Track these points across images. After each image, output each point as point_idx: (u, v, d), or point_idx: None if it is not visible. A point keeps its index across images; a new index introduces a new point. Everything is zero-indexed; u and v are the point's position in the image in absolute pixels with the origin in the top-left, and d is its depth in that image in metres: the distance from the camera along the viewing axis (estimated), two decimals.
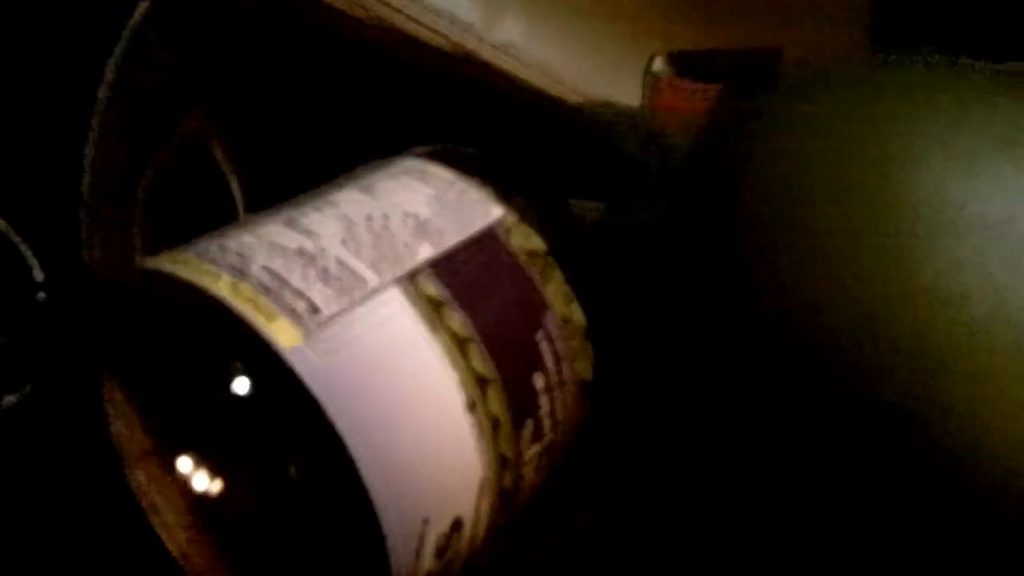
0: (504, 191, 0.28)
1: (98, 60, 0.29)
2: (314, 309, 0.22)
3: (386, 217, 0.26)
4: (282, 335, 0.21)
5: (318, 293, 0.23)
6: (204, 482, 0.22)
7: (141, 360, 0.23)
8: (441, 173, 0.28)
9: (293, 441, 0.21)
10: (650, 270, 0.31)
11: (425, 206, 0.27)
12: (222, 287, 0.22)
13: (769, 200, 0.31)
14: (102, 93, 0.29)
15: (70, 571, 0.20)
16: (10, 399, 0.20)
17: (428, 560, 0.22)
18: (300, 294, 0.22)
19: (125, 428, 0.21)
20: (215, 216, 0.25)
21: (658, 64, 0.32)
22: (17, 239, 0.27)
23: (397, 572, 0.21)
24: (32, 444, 0.21)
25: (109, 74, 0.29)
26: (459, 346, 0.24)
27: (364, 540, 0.21)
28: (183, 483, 0.22)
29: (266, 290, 0.22)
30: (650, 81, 0.32)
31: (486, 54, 0.33)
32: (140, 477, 0.21)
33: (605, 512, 0.30)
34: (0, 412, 0.20)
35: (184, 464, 0.22)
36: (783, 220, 0.28)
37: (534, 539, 0.28)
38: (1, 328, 0.24)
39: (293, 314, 0.22)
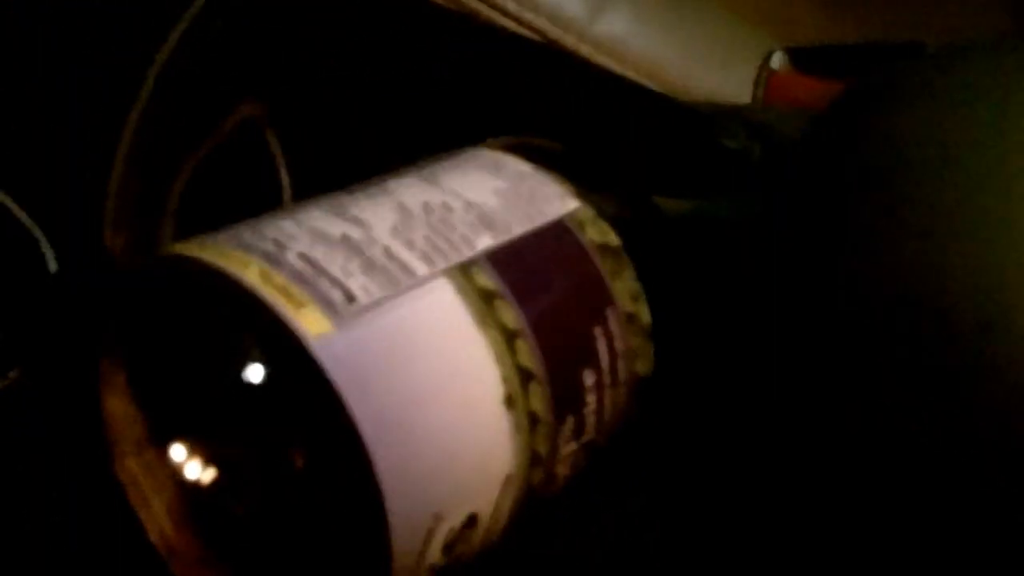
0: (584, 185, 0.27)
1: (141, 46, 0.28)
2: (350, 298, 0.21)
3: (446, 207, 0.25)
4: (310, 324, 0.21)
5: (357, 282, 0.22)
6: (197, 472, 0.22)
7: (147, 345, 0.23)
8: (516, 165, 0.27)
9: (303, 429, 0.21)
10: (749, 261, 0.29)
11: (492, 197, 0.25)
12: (251, 274, 0.21)
13: (913, 177, 0.29)
14: (151, 76, 0.28)
15: (55, 564, 0.20)
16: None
17: (434, 555, 0.22)
18: (337, 283, 0.22)
19: (121, 415, 0.21)
20: (261, 206, 0.24)
21: (777, 59, 0.30)
22: (35, 229, 0.26)
23: (397, 566, 0.21)
24: (16, 432, 0.20)
25: (161, 58, 0.28)
26: (507, 340, 0.23)
27: (366, 532, 0.20)
28: (175, 474, 0.21)
29: (300, 279, 0.21)
30: (765, 77, 0.30)
31: (584, 51, 0.31)
32: (132, 467, 0.21)
33: (632, 513, 0.29)
34: None
35: (178, 453, 0.22)
36: (924, 199, 0.26)
37: (555, 536, 0.27)
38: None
39: (326, 303, 0.21)
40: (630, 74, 0.36)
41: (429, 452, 0.21)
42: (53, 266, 0.27)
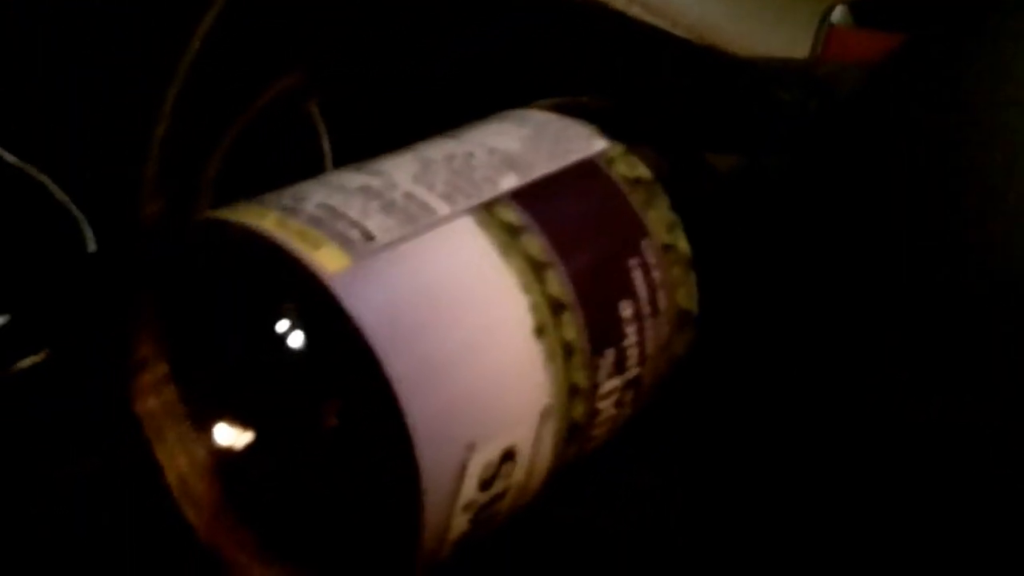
0: (613, 128, 0.26)
1: (181, 18, 0.29)
2: (369, 237, 0.21)
3: (469, 155, 0.24)
4: (327, 261, 0.20)
5: (375, 222, 0.22)
6: (231, 440, 0.21)
7: (179, 310, 0.23)
8: (542, 116, 0.26)
9: (330, 370, 0.20)
10: (800, 216, 0.28)
11: (516, 142, 0.25)
12: (268, 222, 0.21)
13: (974, 134, 0.28)
14: (192, 48, 0.28)
15: (85, 544, 0.20)
16: (24, 363, 0.20)
17: (470, 491, 0.21)
18: (355, 224, 0.21)
19: (153, 388, 0.21)
20: (302, 178, 0.24)
21: (838, 13, 0.29)
22: (74, 209, 0.27)
23: (432, 500, 0.20)
24: (46, 412, 0.20)
25: (202, 29, 0.28)
26: (535, 271, 0.22)
27: (395, 466, 0.20)
28: (208, 446, 0.21)
29: (317, 222, 0.21)
30: (825, 31, 0.29)
31: (635, 12, 0.30)
32: (154, 409, 0.20)
33: (660, 484, 0.28)
34: (12, 377, 0.20)
35: (212, 425, 0.21)
36: (986, 157, 0.25)
37: (580, 501, 0.26)
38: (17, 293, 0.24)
39: (344, 241, 0.21)
40: (681, 34, 0.36)
41: (457, 379, 0.21)
42: (92, 247, 0.27)
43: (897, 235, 0.26)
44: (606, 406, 0.24)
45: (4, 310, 0.23)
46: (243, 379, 0.22)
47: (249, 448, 0.22)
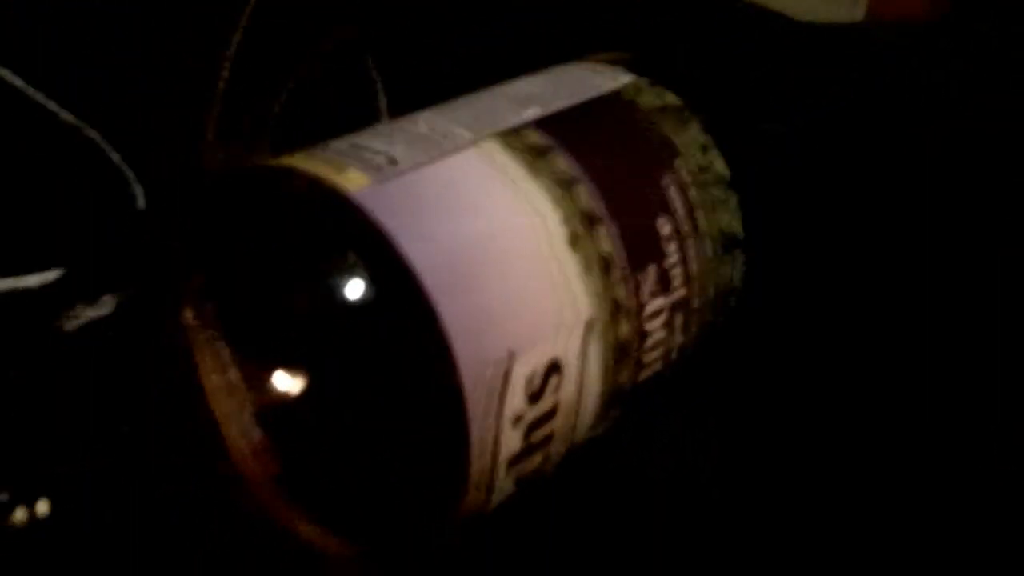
0: (639, 67, 0.26)
1: None
2: (392, 161, 0.21)
3: (491, 95, 0.24)
4: (350, 182, 0.20)
5: (400, 150, 0.21)
6: (281, 387, 0.21)
7: (226, 261, 0.23)
8: (567, 65, 0.26)
9: (371, 306, 0.20)
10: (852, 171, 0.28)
11: (538, 84, 0.25)
12: (295, 159, 0.21)
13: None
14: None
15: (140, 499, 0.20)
16: (76, 321, 0.20)
17: (517, 401, 0.20)
18: (379, 153, 0.21)
19: (202, 332, 0.20)
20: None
21: None
22: (125, 167, 0.27)
23: (474, 406, 0.19)
24: (100, 365, 0.20)
25: None
26: (563, 185, 0.22)
27: (436, 377, 0.19)
28: (256, 396, 0.20)
29: (341, 153, 0.21)
30: None
31: None
32: (214, 384, 0.20)
33: (695, 434, 0.27)
34: (65, 333, 0.20)
35: (260, 376, 0.21)
36: None
37: (614, 448, 0.25)
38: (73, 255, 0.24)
39: (368, 165, 0.21)
40: None
41: (490, 285, 0.20)
42: (142, 204, 0.27)
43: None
44: (654, 328, 0.23)
45: (56, 265, 0.23)
46: (290, 328, 0.22)
47: (296, 397, 0.22)
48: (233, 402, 0.22)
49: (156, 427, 0.21)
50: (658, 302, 0.23)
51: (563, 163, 0.22)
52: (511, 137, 0.22)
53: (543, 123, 0.23)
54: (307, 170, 0.21)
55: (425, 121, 0.23)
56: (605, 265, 0.22)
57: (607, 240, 0.22)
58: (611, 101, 0.25)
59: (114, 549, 0.20)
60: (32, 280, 0.24)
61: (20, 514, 0.19)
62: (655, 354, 0.23)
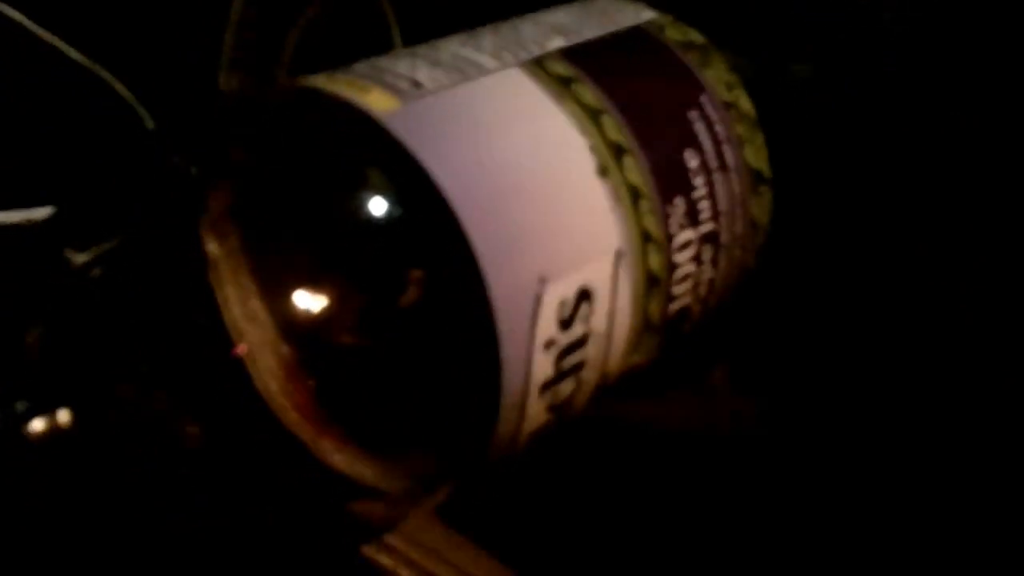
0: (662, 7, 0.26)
1: None
2: (416, 84, 0.21)
3: (515, 25, 0.24)
4: (376, 103, 0.20)
5: (423, 74, 0.22)
6: (306, 306, 0.21)
7: (250, 185, 0.23)
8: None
9: (399, 227, 0.20)
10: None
11: (563, 15, 0.25)
12: (317, 80, 0.21)
13: None
14: None
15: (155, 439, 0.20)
16: (83, 256, 0.20)
17: (549, 325, 0.20)
18: (402, 76, 0.21)
19: (226, 264, 0.20)
20: None
21: None
22: (137, 105, 0.27)
23: (506, 329, 0.20)
24: (117, 302, 0.20)
25: None
26: (590, 116, 0.22)
27: (468, 300, 0.19)
28: (282, 316, 0.21)
29: (363, 75, 0.21)
30: None
31: None
32: (237, 318, 0.20)
33: (747, 373, 0.27)
34: (74, 270, 0.20)
35: (286, 296, 0.21)
36: None
37: (659, 392, 0.25)
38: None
39: (392, 88, 0.21)
40: None
41: (520, 210, 0.20)
42: (151, 125, 0.27)
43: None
44: (683, 260, 0.23)
45: (64, 201, 0.24)
46: (322, 247, 0.22)
47: (326, 318, 0.22)
48: (257, 331, 0.22)
49: (178, 359, 0.21)
50: (687, 234, 0.23)
51: (589, 93, 0.22)
52: (536, 66, 0.23)
53: (568, 53, 0.23)
54: (332, 91, 0.21)
55: (447, 48, 0.23)
56: (634, 195, 0.22)
57: (635, 171, 0.22)
58: (636, 35, 0.25)
59: (134, 471, 0.20)
60: (40, 213, 0.24)
61: (38, 424, 0.19)
62: (684, 286, 0.24)
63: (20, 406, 0.19)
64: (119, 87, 0.27)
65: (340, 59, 0.24)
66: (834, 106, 0.29)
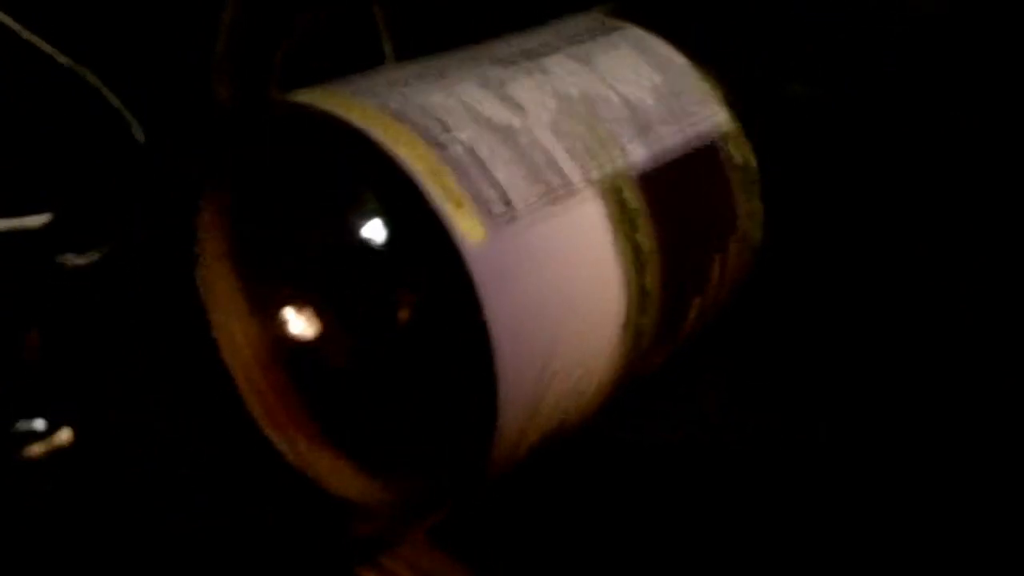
0: (727, 82, 0.26)
1: None
2: (506, 201, 0.22)
3: (606, 101, 0.24)
4: (467, 227, 0.21)
5: (518, 192, 0.22)
6: (300, 326, 0.21)
7: (251, 193, 0.22)
8: (670, 54, 0.26)
9: (408, 267, 0.21)
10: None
11: (648, 95, 0.25)
12: (406, 148, 0.21)
13: None
14: None
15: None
16: (78, 260, 0.20)
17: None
18: (496, 184, 0.22)
19: (217, 268, 0.20)
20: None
21: None
22: (125, 111, 0.25)
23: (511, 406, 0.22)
24: (107, 308, 0.20)
25: None
26: (638, 264, 0.24)
27: (468, 330, 0.21)
28: (274, 335, 0.21)
29: (462, 172, 0.21)
30: None
31: None
32: (231, 328, 0.20)
33: (709, 407, 0.29)
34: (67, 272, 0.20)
35: (278, 314, 0.21)
36: None
37: (629, 421, 0.28)
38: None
39: (483, 205, 0.21)
40: None
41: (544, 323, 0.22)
42: (141, 138, 0.26)
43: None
44: (654, 358, 0.26)
45: (56, 207, 0.23)
46: (314, 266, 0.22)
47: (317, 339, 0.22)
48: (246, 342, 0.22)
49: (168, 366, 0.22)
50: (665, 349, 0.26)
51: (645, 235, 0.24)
52: (613, 193, 0.23)
53: (644, 180, 0.24)
54: (426, 187, 0.21)
55: (539, 126, 0.23)
56: (638, 336, 0.25)
57: (648, 316, 0.25)
58: (706, 154, 0.26)
59: (133, 484, 0.20)
60: (34, 221, 0.23)
61: (37, 447, 0.19)
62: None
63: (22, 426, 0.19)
64: (107, 93, 0.25)
65: (331, 68, 0.24)
66: (834, 106, 0.30)
